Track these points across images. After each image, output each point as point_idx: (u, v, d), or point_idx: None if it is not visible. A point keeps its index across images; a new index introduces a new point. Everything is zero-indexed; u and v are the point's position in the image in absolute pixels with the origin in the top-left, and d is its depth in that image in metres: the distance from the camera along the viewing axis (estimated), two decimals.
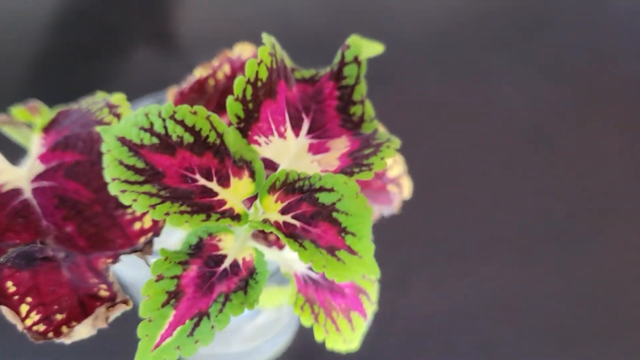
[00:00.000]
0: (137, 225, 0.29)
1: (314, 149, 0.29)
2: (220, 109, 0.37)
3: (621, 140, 0.70)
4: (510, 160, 0.70)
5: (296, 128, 0.29)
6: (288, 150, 0.29)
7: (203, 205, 0.25)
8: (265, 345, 0.54)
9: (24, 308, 0.26)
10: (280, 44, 0.30)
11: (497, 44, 0.83)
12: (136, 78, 0.87)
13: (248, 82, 0.27)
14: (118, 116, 0.31)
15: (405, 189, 0.42)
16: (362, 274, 0.25)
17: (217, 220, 0.25)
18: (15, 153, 0.37)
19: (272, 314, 0.53)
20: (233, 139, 0.27)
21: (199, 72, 0.37)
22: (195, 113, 0.26)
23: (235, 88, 0.27)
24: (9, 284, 0.26)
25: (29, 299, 0.26)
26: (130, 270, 0.38)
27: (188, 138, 0.25)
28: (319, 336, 0.30)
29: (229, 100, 0.27)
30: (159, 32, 0.99)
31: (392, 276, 0.58)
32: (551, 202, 0.65)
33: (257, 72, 0.27)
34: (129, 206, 0.28)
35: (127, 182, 0.25)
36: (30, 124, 0.38)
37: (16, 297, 0.26)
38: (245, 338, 0.52)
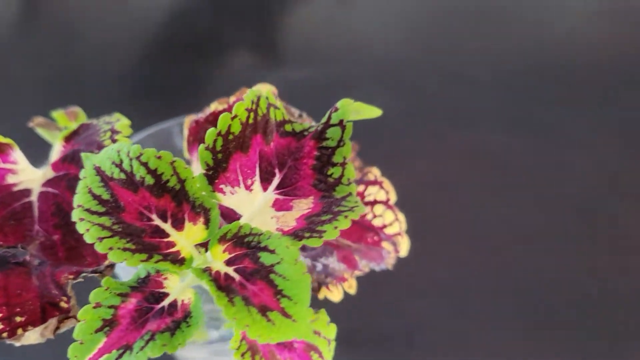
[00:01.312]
0: None
1: (278, 206, 0.30)
2: None
3: None
4: (557, 232, 0.66)
5: (265, 182, 0.30)
6: (252, 202, 0.30)
7: (149, 245, 0.27)
8: None
9: None
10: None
11: (572, 99, 0.79)
12: (227, 84, 0.91)
13: (219, 134, 0.28)
14: (114, 142, 0.33)
15: (402, 247, 0.41)
16: (293, 337, 0.26)
17: (156, 262, 0.26)
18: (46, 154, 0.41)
19: None
20: (197, 185, 0.28)
21: (215, 106, 0.39)
22: (160, 158, 0.27)
23: (206, 138, 0.28)
24: None
25: None
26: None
27: (149, 180, 0.27)
28: None
29: (200, 147, 0.28)
30: (257, 41, 1.03)
31: (396, 330, 0.58)
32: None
33: (229, 126, 0.28)
34: None
35: (88, 210, 0.27)
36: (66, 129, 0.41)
37: None
38: None
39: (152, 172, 0.27)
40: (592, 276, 0.63)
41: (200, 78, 0.93)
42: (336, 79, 0.89)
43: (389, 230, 0.41)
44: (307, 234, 0.28)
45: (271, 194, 0.30)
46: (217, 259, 0.28)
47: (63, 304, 0.30)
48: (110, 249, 0.26)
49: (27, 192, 0.35)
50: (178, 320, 0.27)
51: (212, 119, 0.39)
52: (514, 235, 0.67)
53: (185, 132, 0.40)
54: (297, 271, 0.26)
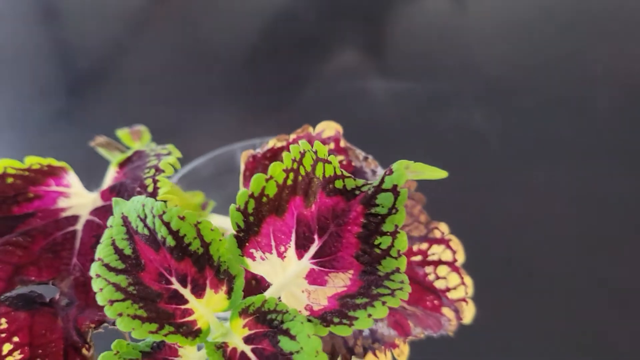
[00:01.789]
0: None
1: (312, 278, 0.27)
2: None
3: None
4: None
5: (301, 249, 0.27)
6: (285, 270, 0.27)
7: (164, 312, 0.25)
8: None
9: (7, 347, 0.28)
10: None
11: None
12: (332, 86, 0.89)
13: (251, 196, 0.26)
14: (155, 183, 0.31)
15: (466, 315, 0.37)
16: None
17: (166, 334, 0.24)
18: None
19: None
20: (225, 247, 0.26)
21: (273, 142, 0.37)
22: (183, 218, 0.25)
23: (238, 198, 0.26)
24: (2, 320, 0.29)
25: (15, 339, 0.28)
26: None
27: (170, 241, 0.25)
28: None
29: (232, 207, 0.26)
30: (367, 44, 1.00)
31: None
32: None
33: (263, 188, 0.26)
34: None
35: (107, 266, 0.25)
36: (123, 146, 0.41)
37: (3, 335, 0.28)
38: None
39: (174, 233, 0.25)
40: None
41: (303, 79, 0.91)
42: (437, 93, 0.84)
43: (452, 295, 0.36)
44: (336, 319, 0.25)
45: (306, 263, 0.27)
46: (237, 333, 0.25)
47: (85, 351, 0.29)
48: (120, 315, 0.24)
49: (73, 220, 0.34)
50: None
51: (270, 156, 0.37)
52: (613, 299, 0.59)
53: (242, 166, 0.37)
54: None
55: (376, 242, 0.27)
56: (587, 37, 0.91)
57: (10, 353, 0.28)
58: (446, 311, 0.36)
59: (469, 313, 0.37)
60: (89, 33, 1.01)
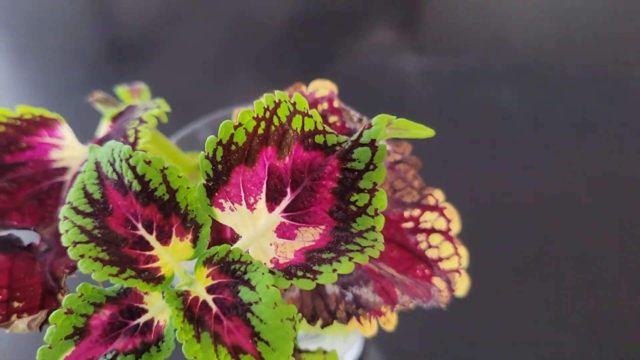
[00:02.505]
0: None
1: (281, 232, 0.26)
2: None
3: None
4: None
5: (272, 202, 0.26)
6: (254, 223, 0.26)
7: (126, 257, 0.24)
8: None
9: None
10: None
11: None
12: (363, 61, 0.88)
13: (219, 143, 0.25)
14: (136, 133, 0.31)
15: (459, 286, 0.35)
16: None
17: (126, 279, 0.24)
18: None
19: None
20: (193, 196, 0.25)
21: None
22: (149, 163, 0.24)
23: (206, 145, 0.25)
24: None
25: None
26: None
27: (136, 185, 0.25)
28: None
29: (201, 155, 0.25)
30: (398, 20, 0.98)
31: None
32: None
33: (231, 136, 0.25)
34: None
35: (75, 209, 0.25)
36: (119, 102, 0.41)
37: None
38: None
39: (140, 178, 0.25)
40: None
41: (337, 53, 0.90)
42: (467, 70, 0.82)
43: (444, 265, 0.35)
44: (300, 273, 0.24)
45: (277, 216, 0.26)
46: (201, 283, 0.25)
47: (60, 296, 0.29)
48: (82, 256, 0.24)
49: (62, 171, 0.34)
50: (149, 342, 0.25)
51: None
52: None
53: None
54: (275, 316, 0.22)
55: (352, 199, 0.26)
56: (623, 18, 0.86)
57: None
58: (437, 281, 0.35)
59: (462, 285, 0.35)
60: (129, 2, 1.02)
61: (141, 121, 0.31)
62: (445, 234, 0.35)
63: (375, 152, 0.26)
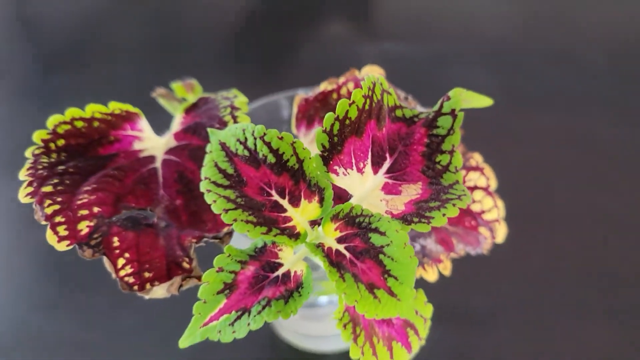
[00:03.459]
0: None
1: (387, 189, 0.31)
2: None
3: None
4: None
5: (376, 166, 0.31)
6: (363, 184, 0.31)
7: (269, 219, 0.29)
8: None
9: (120, 261, 0.32)
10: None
11: None
12: (322, 52, 0.93)
13: (337, 119, 0.30)
14: (235, 118, 0.35)
15: (498, 234, 0.42)
16: (396, 314, 0.27)
17: (275, 235, 0.28)
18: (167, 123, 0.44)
19: None
20: (313, 165, 0.30)
21: (324, 85, 0.41)
22: (281, 138, 0.29)
23: (324, 121, 0.30)
24: (115, 239, 0.33)
25: (127, 255, 0.32)
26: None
27: (271, 158, 0.29)
28: (353, 355, 0.32)
29: (318, 130, 0.30)
30: (353, 10, 1.03)
31: (483, 309, 0.58)
32: None
33: (346, 112, 0.30)
34: None
35: (214, 183, 0.29)
36: (183, 99, 0.44)
37: (117, 251, 0.32)
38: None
39: (274, 152, 0.29)
40: None
41: (296, 46, 0.94)
42: (435, 54, 0.89)
43: (487, 217, 0.41)
44: (415, 219, 0.29)
45: (381, 178, 0.31)
46: (329, 236, 0.30)
47: (185, 264, 0.33)
48: (235, 220, 0.28)
49: (151, 159, 0.38)
50: (290, 289, 0.30)
51: (322, 98, 0.41)
52: (611, 228, 0.65)
53: (295, 109, 0.41)
54: (405, 254, 0.28)
55: (437, 160, 0.32)
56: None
57: (123, 267, 0.32)
58: (483, 230, 0.41)
59: (501, 232, 0.42)
60: (60, 8, 1.03)
61: (233, 107, 0.36)
62: (486, 190, 0.41)
63: (455, 119, 0.32)
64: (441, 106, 0.32)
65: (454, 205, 0.30)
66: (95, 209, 0.32)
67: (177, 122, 0.40)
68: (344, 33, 0.98)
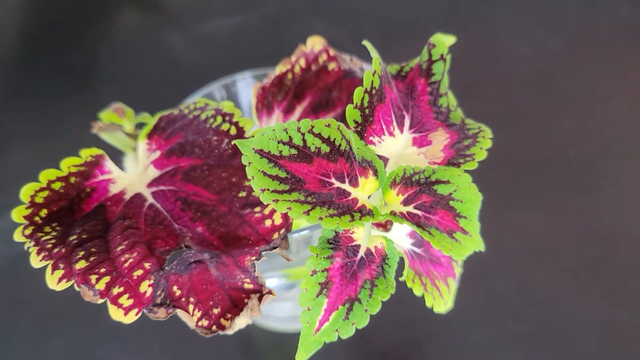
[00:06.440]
0: (267, 223, 0.32)
1: (418, 143, 0.33)
2: (297, 98, 0.41)
3: (622, 82, 0.76)
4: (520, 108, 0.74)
5: (400, 125, 0.33)
6: (396, 146, 0.32)
7: (343, 206, 0.29)
8: None
9: (190, 308, 0.30)
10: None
11: None
12: (121, 42, 0.88)
13: (365, 91, 0.30)
14: (236, 124, 0.33)
15: None
16: (473, 249, 0.30)
17: (360, 219, 0.29)
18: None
19: None
20: (355, 143, 0.30)
21: (279, 68, 0.40)
22: (329, 126, 0.29)
23: (354, 97, 0.30)
24: (175, 288, 0.30)
25: (191, 299, 0.30)
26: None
27: (325, 148, 0.29)
28: (429, 302, 0.34)
29: (349, 107, 0.30)
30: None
31: None
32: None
33: (372, 82, 0.30)
34: (257, 205, 0.32)
35: (276, 191, 0.28)
36: (121, 127, 0.40)
37: (183, 300, 0.30)
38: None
39: (327, 141, 0.29)
40: None
41: (89, 38, 0.89)
42: (264, 21, 0.89)
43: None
44: (460, 160, 0.32)
45: (408, 134, 0.33)
46: (393, 202, 0.31)
47: (247, 285, 0.31)
48: (320, 218, 0.28)
49: (141, 197, 0.35)
50: (379, 264, 0.30)
51: (278, 82, 0.40)
52: None
53: (253, 100, 0.40)
54: (471, 193, 0.30)
55: (439, 103, 0.34)
56: None
57: (193, 312, 0.30)
58: None
59: None
60: None
61: (226, 114, 0.34)
62: None
63: (446, 63, 0.34)
64: (430, 54, 0.34)
65: (483, 137, 0.32)
66: (147, 265, 0.29)
67: (144, 150, 0.37)
68: (138, 22, 0.93)
